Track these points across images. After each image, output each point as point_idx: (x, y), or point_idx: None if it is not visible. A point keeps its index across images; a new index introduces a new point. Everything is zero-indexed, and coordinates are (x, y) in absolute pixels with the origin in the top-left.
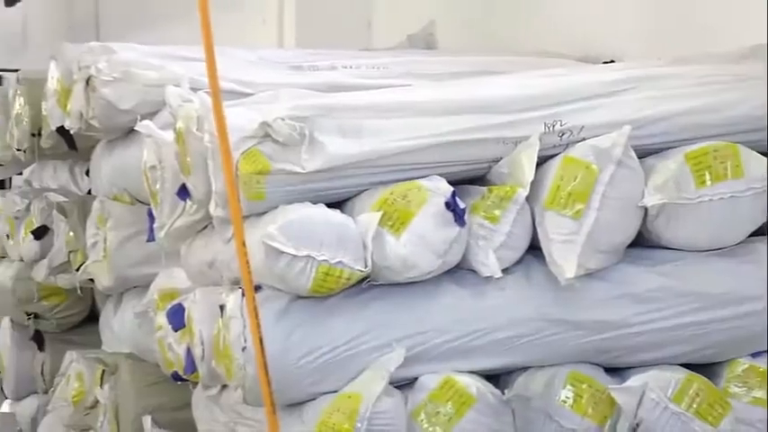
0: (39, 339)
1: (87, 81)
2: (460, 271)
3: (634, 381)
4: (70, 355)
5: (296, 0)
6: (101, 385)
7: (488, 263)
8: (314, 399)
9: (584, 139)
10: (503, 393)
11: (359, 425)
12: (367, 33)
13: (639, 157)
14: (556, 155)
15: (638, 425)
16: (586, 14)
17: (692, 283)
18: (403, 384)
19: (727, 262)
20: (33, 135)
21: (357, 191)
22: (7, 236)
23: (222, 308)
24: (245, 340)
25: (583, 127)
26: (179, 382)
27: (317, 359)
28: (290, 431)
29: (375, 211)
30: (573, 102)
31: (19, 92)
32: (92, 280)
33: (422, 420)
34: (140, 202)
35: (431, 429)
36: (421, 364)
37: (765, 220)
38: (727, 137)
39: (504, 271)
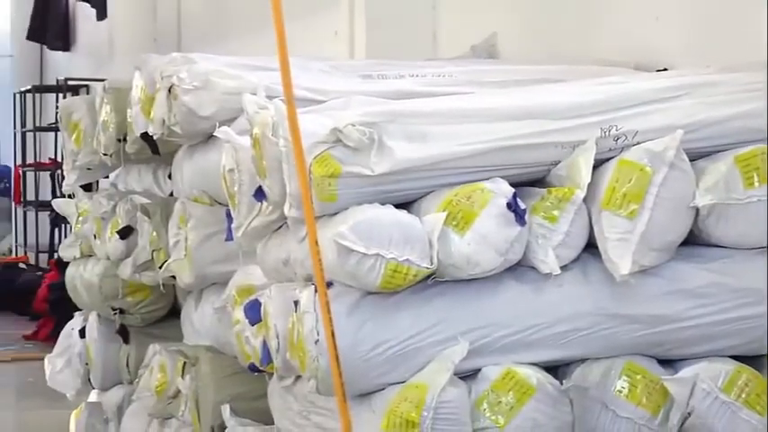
0: (124, 333)
1: (169, 90)
2: (521, 268)
3: (686, 372)
4: (153, 348)
5: (366, 14)
6: (182, 376)
7: (548, 260)
8: (383, 389)
9: (638, 143)
10: (561, 384)
11: (425, 413)
12: (432, 45)
13: (691, 160)
14: (611, 158)
15: (689, 414)
16: (641, 25)
17: (741, 280)
18: (466, 375)
19: None
20: (119, 141)
21: (423, 192)
22: (94, 236)
23: (296, 303)
24: (318, 334)
25: (637, 132)
26: (256, 374)
27: (386, 351)
28: (360, 420)
29: (440, 212)
30: (628, 108)
31: (106, 100)
32: (174, 277)
33: (484, 409)
34: (219, 203)
35: (493, 418)
36: (483, 357)
37: None
38: None
39: (563, 268)
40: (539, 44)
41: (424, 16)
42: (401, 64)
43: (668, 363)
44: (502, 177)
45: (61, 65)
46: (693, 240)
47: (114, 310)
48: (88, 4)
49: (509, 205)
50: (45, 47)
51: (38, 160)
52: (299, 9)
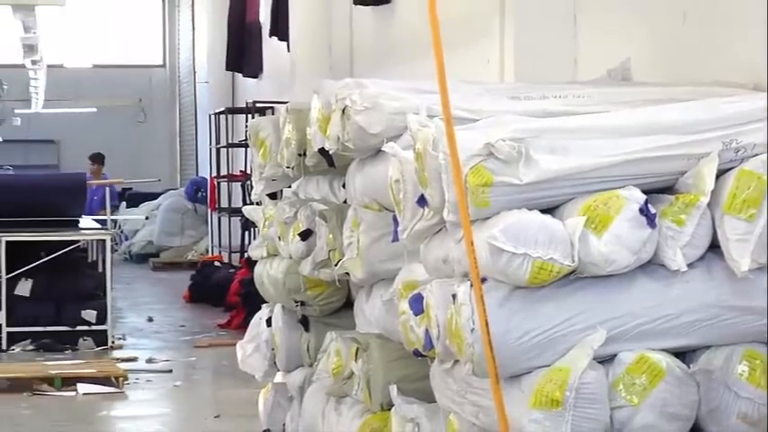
0: (305, 322)
1: (343, 110)
2: (652, 265)
3: None
4: (330, 335)
5: (514, 43)
6: (355, 360)
7: (676, 259)
8: (530, 372)
9: (756, 155)
10: (688, 368)
11: (568, 393)
12: (573, 69)
13: None
14: (732, 168)
15: None
16: (759, 51)
17: None
18: (604, 360)
19: None
20: (300, 155)
21: (565, 199)
22: (279, 238)
23: (454, 296)
24: (474, 323)
25: (755, 144)
26: (419, 358)
27: (533, 339)
28: (510, 398)
29: (580, 216)
30: (747, 123)
31: (288, 120)
32: (347, 274)
33: (620, 390)
34: (386, 209)
35: (628, 398)
36: (619, 343)
37: None
38: None
39: (689, 265)
40: (667, 68)
41: (566, 44)
42: (545, 87)
43: None
44: (635, 185)
45: (250, 89)
46: None
47: (296, 302)
48: (276, 38)
49: (641, 210)
50: (235, 74)
51: (230, 172)
52: (456, 40)
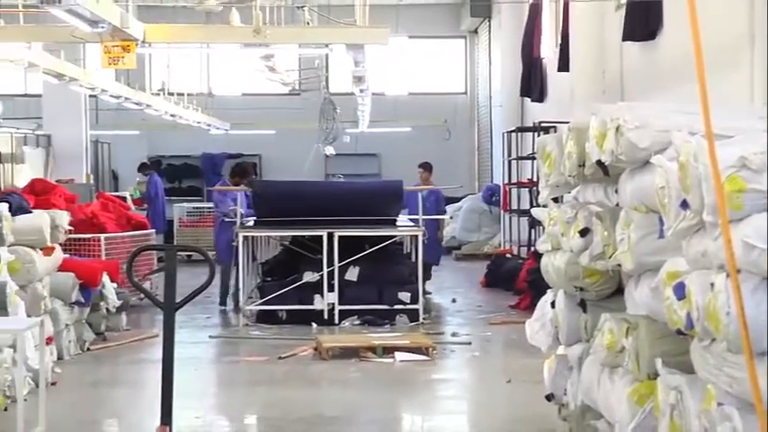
0: (583, 305)
1: (617, 128)
2: None
3: None
4: (605, 316)
5: (763, 72)
6: (626, 337)
7: None
8: None
9: None
10: None
11: None
12: None
13: None
14: None
15: None
16: None
17: None
18: None
19: None
20: (579, 166)
21: None
22: (562, 234)
23: (712, 285)
24: (729, 307)
25: None
26: (681, 336)
27: None
28: (761, 371)
29: None
30: None
31: (569, 137)
32: (619, 265)
33: None
34: (653, 211)
35: None
36: None
37: None
38: None
39: None
40: None
41: None
42: None
43: None
44: None
45: (536, 111)
46: None
47: (576, 288)
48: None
49: None
50: (523, 99)
51: (519, 180)
52: (712, 69)
